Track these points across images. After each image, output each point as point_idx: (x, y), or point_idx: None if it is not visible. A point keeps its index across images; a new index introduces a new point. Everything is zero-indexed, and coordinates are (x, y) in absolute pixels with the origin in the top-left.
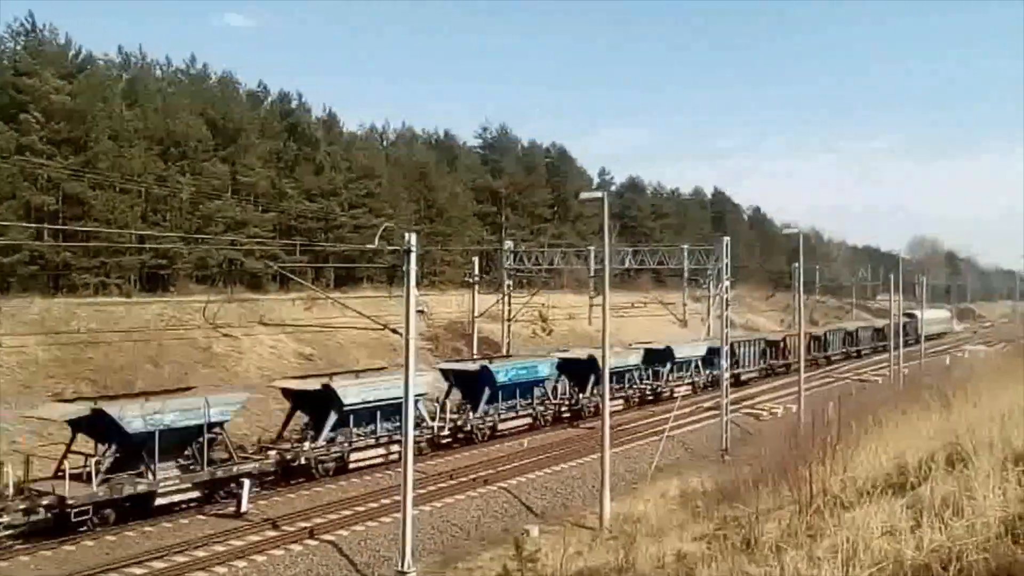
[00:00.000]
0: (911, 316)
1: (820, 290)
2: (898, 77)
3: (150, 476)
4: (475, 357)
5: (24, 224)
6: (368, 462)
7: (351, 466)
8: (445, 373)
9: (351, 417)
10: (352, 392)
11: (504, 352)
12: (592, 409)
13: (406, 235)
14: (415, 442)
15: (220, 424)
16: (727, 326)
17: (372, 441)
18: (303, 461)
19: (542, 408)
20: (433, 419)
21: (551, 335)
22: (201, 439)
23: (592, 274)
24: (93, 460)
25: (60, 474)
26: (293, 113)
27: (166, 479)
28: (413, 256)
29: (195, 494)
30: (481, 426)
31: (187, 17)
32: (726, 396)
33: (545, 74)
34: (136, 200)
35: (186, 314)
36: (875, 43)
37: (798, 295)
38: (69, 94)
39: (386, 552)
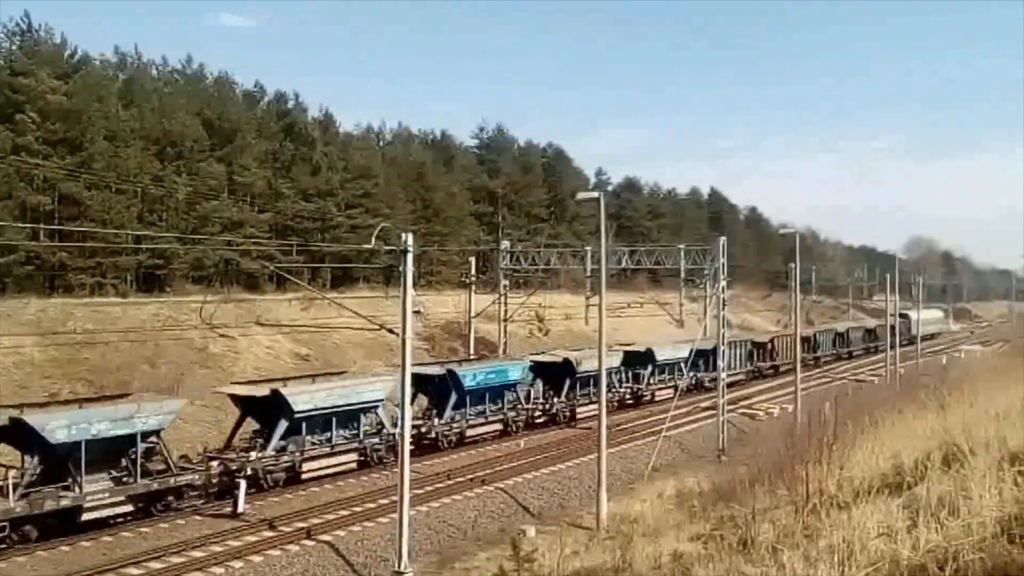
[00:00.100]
0: (904, 317)
1: (817, 290)
2: (898, 77)
3: (77, 489)
4: (443, 360)
5: (20, 224)
6: (323, 472)
7: (304, 476)
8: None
9: (303, 425)
10: (304, 399)
11: (501, 352)
12: (567, 414)
13: (403, 235)
14: (374, 450)
15: (156, 433)
16: (724, 326)
17: (327, 450)
18: (249, 471)
19: (513, 413)
20: (395, 425)
21: (548, 335)
22: (135, 449)
23: (588, 274)
24: (11, 473)
25: None
26: (289, 113)
27: (94, 492)
28: (410, 256)
29: (128, 508)
30: (447, 433)
31: (182, 17)
32: (722, 396)
33: (545, 74)
34: (132, 200)
35: (182, 314)
36: (875, 43)
37: (794, 295)
38: (65, 94)
39: (383, 552)
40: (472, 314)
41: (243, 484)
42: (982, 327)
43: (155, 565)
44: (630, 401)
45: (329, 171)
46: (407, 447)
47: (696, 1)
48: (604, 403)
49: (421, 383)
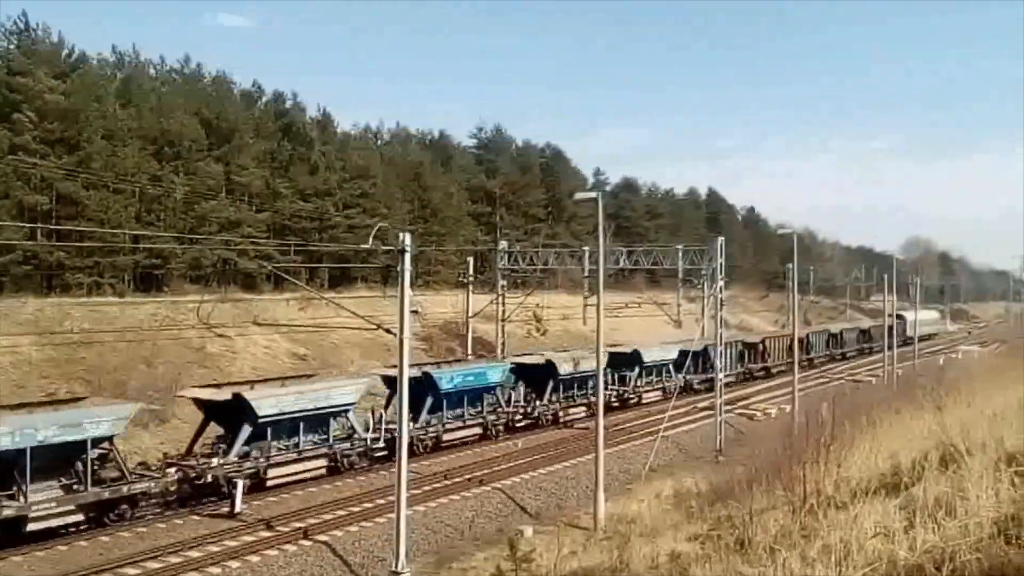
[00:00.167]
0: (900, 317)
1: (814, 291)
2: (898, 77)
3: (21, 499)
4: (421, 363)
5: (18, 224)
6: (289, 479)
7: (269, 483)
8: (385, 380)
9: (268, 430)
10: (268, 403)
11: (499, 353)
12: (550, 417)
13: (400, 235)
14: (344, 455)
15: (108, 439)
16: (721, 326)
17: (294, 456)
18: (210, 479)
19: (493, 417)
20: (367, 430)
21: (545, 335)
22: (85, 456)
23: (586, 274)
24: None
25: None
26: (287, 113)
27: (41, 502)
28: (407, 256)
29: (78, 517)
30: (423, 437)
31: (181, 17)
32: (720, 397)
33: (545, 74)
34: (130, 200)
35: (180, 314)
36: (875, 43)
37: (792, 296)
38: (63, 93)
39: (380, 552)
40: (470, 314)
41: (240, 484)
42: (979, 328)
43: (152, 565)
44: (616, 404)
45: (327, 171)
46: (405, 447)
47: (696, 1)
48: (602, 403)
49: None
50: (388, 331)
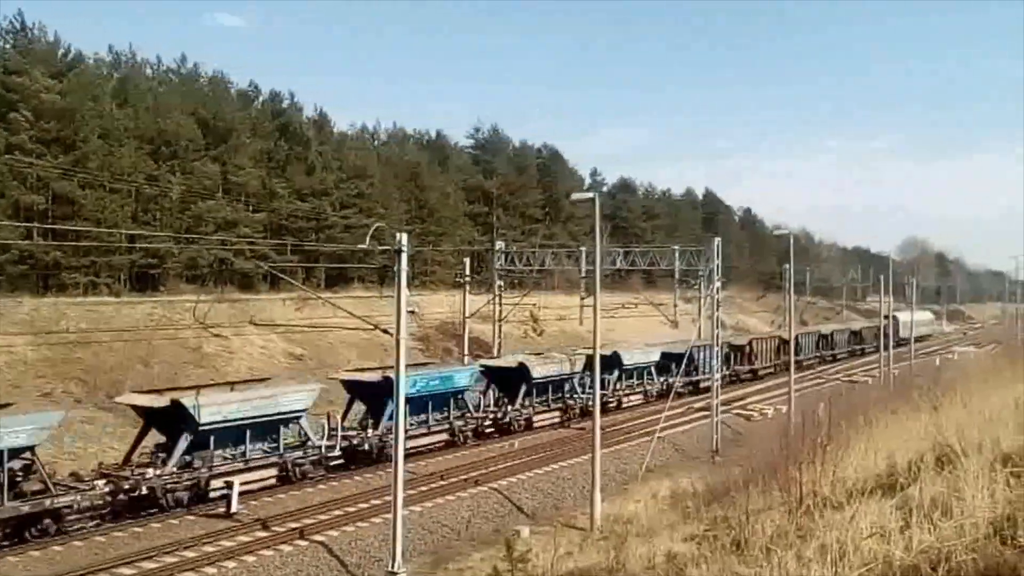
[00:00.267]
0: (893, 319)
1: (811, 291)
2: (898, 77)
3: None
4: (380, 366)
5: (14, 223)
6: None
7: (211, 495)
8: (345, 384)
9: (211, 438)
10: (210, 410)
11: (495, 353)
12: (522, 423)
13: (397, 235)
14: (295, 464)
15: (29, 449)
16: (718, 327)
17: (240, 465)
18: (145, 491)
19: (461, 423)
20: (323, 437)
21: (542, 335)
22: (2, 468)
23: (583, 275)
24: None
25: None
26: (284, 113)
27: None
28: (404, 256)
29: None
30: (382, 444)
31: (179, 17)
32: (716, 397)
33: (544, 74)
34: (126, 199)
35: (176, 314)
36: (875, 43)
37: (789, 296)
38: (59, 93)
39: (376, 553)
40: (466, 314)
41: (236, 483)
42: (975, 328)
43: (148, 565)
44: (591, 408)
45: (324, 171)
46: (402, 446)
47: (696, 1)
48: (599, 403)
49: (357, 390)
50: (385, 331)
